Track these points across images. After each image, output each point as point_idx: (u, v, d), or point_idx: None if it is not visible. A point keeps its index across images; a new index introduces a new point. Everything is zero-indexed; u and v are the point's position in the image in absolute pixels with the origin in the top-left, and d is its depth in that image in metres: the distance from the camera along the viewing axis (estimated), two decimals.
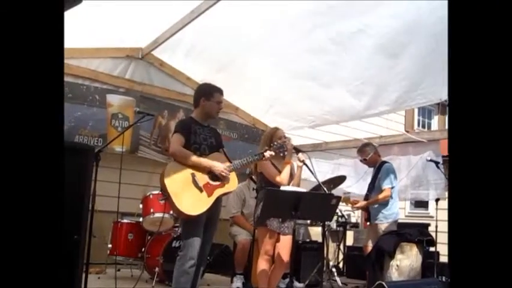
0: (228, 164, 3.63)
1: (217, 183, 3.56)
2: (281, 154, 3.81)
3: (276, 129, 4.24)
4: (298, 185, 4.10)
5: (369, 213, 5.39)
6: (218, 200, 3.63)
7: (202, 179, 3.50)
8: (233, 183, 3.65)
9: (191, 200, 3.40)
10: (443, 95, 5.20)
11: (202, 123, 3.73)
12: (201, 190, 3.47)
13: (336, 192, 5.42)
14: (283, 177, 3.97)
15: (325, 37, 5.01)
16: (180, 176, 3.42)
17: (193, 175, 3.47)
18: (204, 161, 3.52)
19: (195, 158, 3.49)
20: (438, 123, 11.47)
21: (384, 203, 5.22)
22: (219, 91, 3.77)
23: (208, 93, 3.72)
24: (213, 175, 3.55)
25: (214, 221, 3.70)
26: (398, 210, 5.40)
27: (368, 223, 5.54)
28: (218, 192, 3.55)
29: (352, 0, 4.31)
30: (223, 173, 3.54)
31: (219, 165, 3.54)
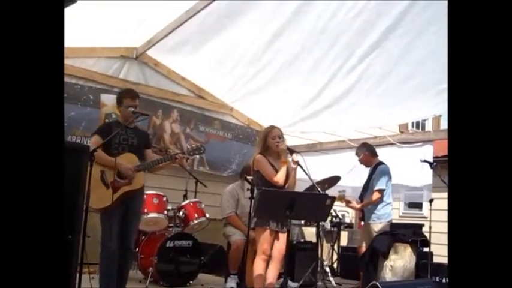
0: (135, 164, 3.86)
1: (124, 181, 3.80)
2: (197, 157, 4.04)
3: (272, 127, 4.20)
4: (294, 186, 4.10)
5: (363, 213, 5.41)
6: (136, 195, 3.91)
7: (111, 176, 3.74)
8: (139, 182, 3.89)
9: (97, 195, 3.62)
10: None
11: (127, 125, 3.95)
12: (107, 187, 3.75)
13: (330, 191, 5.44)
14: (279, 177, 3.96)
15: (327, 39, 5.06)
16: (92, 173, 3.63)
17: (102, 172, 3.76)
18: (111, 161, 3.72)
19: (104, 158, 3.71)
20: (432, 123, 11.48)
21: (376, 204, 5.24)
22: (129, 95, 3.96)
23: (118, 99, 4.01)
24: (121, 174, 3.80)
25: (136, 214, 3.99)
26: (391, 211, 5.41)
27: (362, 223, 5.56)
28: (124, 189, 3.79)
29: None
30: (127, 172, 3.78)
31: (124, 165, 3.77)
